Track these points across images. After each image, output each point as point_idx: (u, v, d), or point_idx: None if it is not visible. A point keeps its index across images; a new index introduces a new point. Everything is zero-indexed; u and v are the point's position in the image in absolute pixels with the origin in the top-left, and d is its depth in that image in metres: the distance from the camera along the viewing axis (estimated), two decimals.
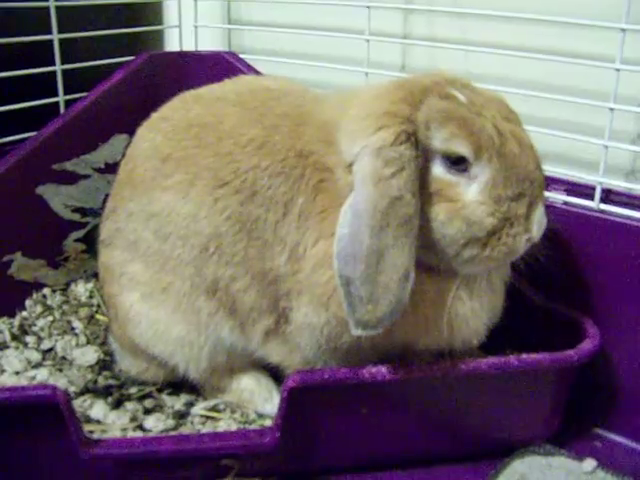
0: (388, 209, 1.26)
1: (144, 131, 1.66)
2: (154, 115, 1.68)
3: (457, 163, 1.32)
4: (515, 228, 1.34)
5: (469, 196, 1.33)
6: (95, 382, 1.72)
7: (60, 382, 1.67)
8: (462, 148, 1.30)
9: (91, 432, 1.51)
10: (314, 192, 1.41)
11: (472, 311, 1.43)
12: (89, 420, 1.58)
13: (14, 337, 1.87)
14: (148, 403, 1.65)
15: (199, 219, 1.48)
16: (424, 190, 1.32)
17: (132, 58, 2.24)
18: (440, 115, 1.31)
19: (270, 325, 1.50)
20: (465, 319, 1.42)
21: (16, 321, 1.94)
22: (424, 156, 1.32)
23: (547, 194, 1.77)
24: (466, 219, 1.32)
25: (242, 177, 1.46)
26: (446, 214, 1.32)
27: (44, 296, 2.06)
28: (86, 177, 2.12)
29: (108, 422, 1.57)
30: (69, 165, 2.07)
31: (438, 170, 1.34)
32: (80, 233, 2.14)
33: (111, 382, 1.73)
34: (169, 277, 1.53)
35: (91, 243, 2.13)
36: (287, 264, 1.42)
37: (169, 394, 1.70)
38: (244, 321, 1.52)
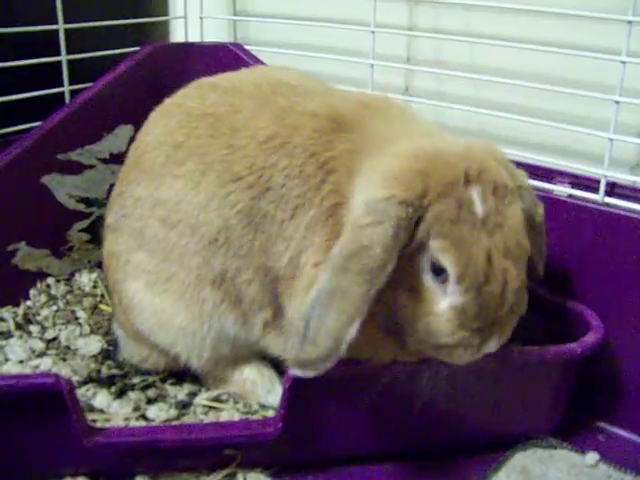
0: (352, 255, 1.25)
1: (157, 116, 1.66)
2: (168, 101, 1.68)
3: (440, 273, 1.29)
4: (465, 353, 1.33)
5: (438, 307, 1.30)
6: (98, 372, 1.72)
7: (63, 371, 1.67)
8: (447, 265, 1.28)
9: (94, 421, 1.51)
10: (327, 213, 1.40)
11: None
12: (92, 409, 1.58)
13: (18, 326, 1.87)
14: (151, 393, 1.66)
15: (210, 210, 1.48)
16: (408, 273, 1.31)
17: (137, 49, 2.24)
18: (442, 227, 1.28)
19: (268, 317, 1.50)
20: None
21: (20, 310, 1.94)
22: (420, 244, 1.29)
23: (552, 187, 1.78)
24: (426, 325, 1.31)
25: (257, 173, 1.45)
26: (412, 310, 1.31)
27: (48, 286, 2.06)
28: (91, 167, 2.12)
29: (111, 411, 1.58)
30: (74, 155, 2.07)
31: (424, 266, 1.31)
32: (84, 223, 2.14)
33: (114, 372, 1.73)
34: (174, 266, 1.53)
35: (95, 233, 2.13)
36: (287, 267, 1.42)
37: (172, 384, 1.71)
38: (246, 312, 1.52)
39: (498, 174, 1.34)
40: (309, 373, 1.26)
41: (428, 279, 1.30)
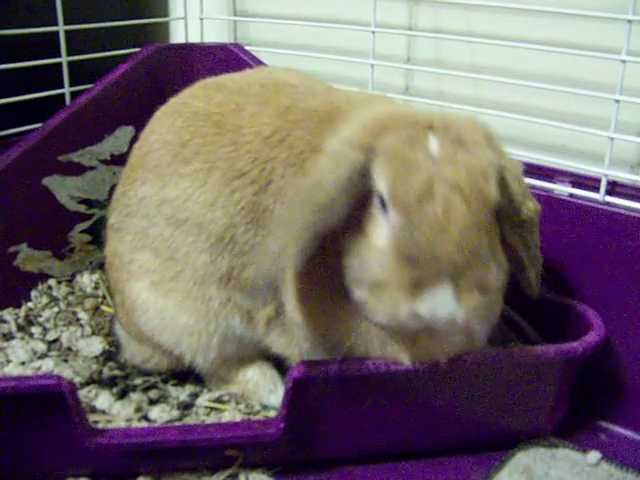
0: (304, 190, 1.27)
1: (162, 116, 1.66)
2: (173, 100, 1.68)
3: (384, 204, 1.25)
4: (398, 293, 1.21)
5: (376, 238, 1.27)
6: (100, 373, 1.72)
7: (65, 373, 1.67)
8: (381, 184, 1.24)
9: (96, 422, 1.51)
10: None
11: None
12: (94, 410, 1.58)
13: (20, 328, 1.87)
14: (153, 394, 1.66)
15: (216, 209, 1.48)
16: (362, 218, 1.29)
17: (138, 50, 2.24)
18: (387, 155, 1.25)
19: (271, 313, 1.50)
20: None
21: (22, 312, 1.94)
22: (373, 183, 1.28)
23: (552, 186, 1.78)
24: (361, 258, 1.27)
25: (260, 167, 1.46)
26: (352, 246, 1.29)
27: (50, 287, 2.06)
28: (92, 168, 2.12)
29: (113, 412, 1.58)
30: (75, 156, 2.07)
31: (374, 204, 1.28)
32: (86, 224, 2.14)
33: (116, 373, 1.73)
34: (180, 265, 1.54)
35: (96, 234, 2.14)
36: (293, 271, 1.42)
37: (174, 385, 1.71)
38: (251, 310, 1.52)
39: (470, 132, 1.29)
40: (247, 299, 1.28)
41: (376, 213, 1.28)
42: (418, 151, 1.23)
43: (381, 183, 1.24)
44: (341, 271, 1.32)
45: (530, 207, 1.40)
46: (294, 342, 1.51)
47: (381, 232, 1.26)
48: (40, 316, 1.95)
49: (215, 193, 1.49)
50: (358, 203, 1.28)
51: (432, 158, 1.23)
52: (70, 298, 2.04)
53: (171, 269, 1.55)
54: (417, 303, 1.20)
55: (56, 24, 2.14)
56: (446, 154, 1.24)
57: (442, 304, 1.19)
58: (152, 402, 1.63)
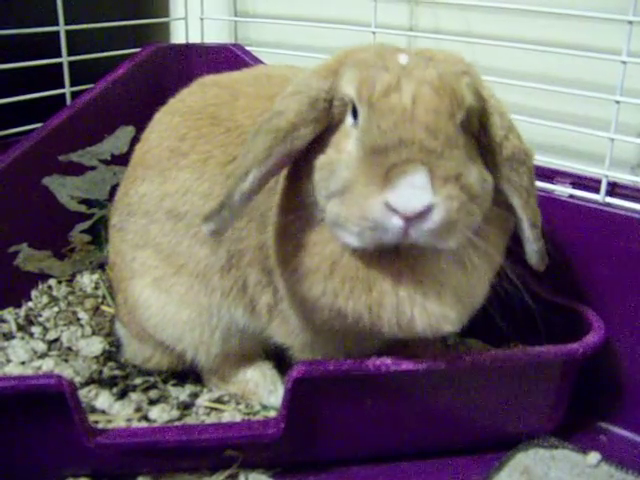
0: (266, 119, 1.26)
1: (161, 115, 1.69)
2: (171, 100, 1.70)
3: (355, 112, 1.21)
4: (367, 188, 1.11)
5: (345, 146, 1.22)
6: (100, 373, 1.72)
7: (65, 372, 1.67)
8: (349, 88, 1.21)
9: (96, 422, 1.51)
10: None
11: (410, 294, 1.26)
12: (94, 410, 1.58)
13: (20, 327, 1.87)
14: (153, 394, 1.66)
15: (213, 198, 1.49)
16: (330, 142, 1.27)
17: (138, 50, 2.25)
18: (353, 64, 1.24)
19: (270, 300, 1.50)
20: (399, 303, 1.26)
21: (22, 312, 1.95)
22: (344, 109, 1.26)
23: (553, 187, 1.77)
24: (331, 166, 1.22)
25: None
26: (322, 160, 1.25)
27: (50, 287, 2.06)
28: (92, 168, 2.12)
29: (113, 412, 1.58)
30: (75, 156, 2.07)
31: (347, 121, 1.25)
32: (86, 224, 2.14)
33: (116, 373, 1.73)
34: (181, 259, 1.54)
35: (97, 234, 2.14)
36: (274, 236, 1.40)
37: (174, 385, 1.71)
38: (253, 298, 1.52)
39: (441, 53, 1.28)
40: (210, 227, 1.25)
41: (349, 128, 1.24)
42: (387, 60, 1.20)
43: (349, 87, 1.21)
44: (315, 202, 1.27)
45: (515, 144, 1.30)
46: (294, 330, 1.50)
47: (350, 141, 1.21)
48: (40, 316, 1.95)
49: (212, 182, 1.50)
50: (329, 131, 1.27)
51: (401, 66, 1.19)
52: (70, 298, 2.04)
53: (173, 264, 1.55)
54: (388, 193, 1.09)
55: (57, 24, 2.14)
56: (415, 63, 1.20)
57: (415, 191, 1.08)
58: (152, 402, 1.64)
